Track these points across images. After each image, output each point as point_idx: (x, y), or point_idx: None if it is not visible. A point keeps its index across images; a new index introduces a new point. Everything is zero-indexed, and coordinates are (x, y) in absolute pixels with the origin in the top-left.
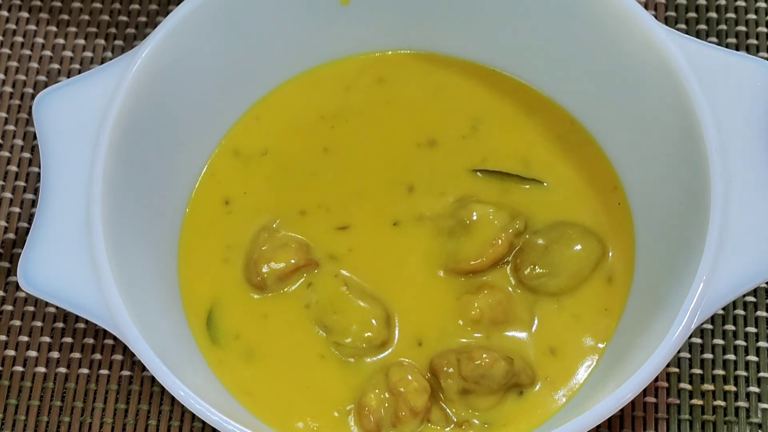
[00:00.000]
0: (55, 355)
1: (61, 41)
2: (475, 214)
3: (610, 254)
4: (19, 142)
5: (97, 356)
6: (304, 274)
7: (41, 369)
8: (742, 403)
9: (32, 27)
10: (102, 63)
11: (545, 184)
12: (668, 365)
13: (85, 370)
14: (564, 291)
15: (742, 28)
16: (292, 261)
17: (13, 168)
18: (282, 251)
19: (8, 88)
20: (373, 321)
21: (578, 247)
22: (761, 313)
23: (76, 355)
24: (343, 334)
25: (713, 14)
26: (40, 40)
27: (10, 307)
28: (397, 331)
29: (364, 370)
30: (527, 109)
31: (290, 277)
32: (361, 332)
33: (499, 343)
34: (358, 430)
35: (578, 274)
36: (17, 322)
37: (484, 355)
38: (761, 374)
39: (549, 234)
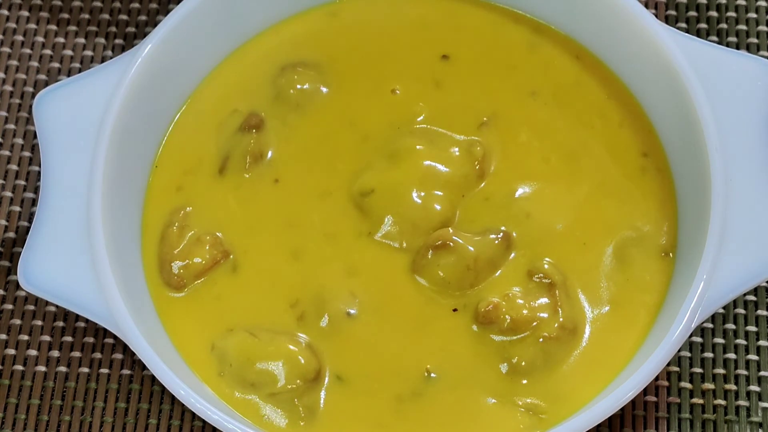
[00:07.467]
0: (55, 354)
1: (62, 40)
2: None
3: None
4: (19, 140)
5: (98, 355)
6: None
7: (41, 368)
8: (742, 402)
9: (32, 26)
10: (102, 62)
11: None
12: (669, 364)
13: (85, 369)
14: None
15: (742, 27)
16: (208, 257)
17: (14, 167)
18: (196, 248)
19: (8, 87)
20: (300, 358)
21: None
22: (761, 312)
23: (77, 354)
24: (273, 382)
25: (714, 13)
26: (40, 38)
27: (10, 306)
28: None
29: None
30: None
31: (207, 272)
32: (291, 370)
33: None
34: None
35: None
36: (17, 321)
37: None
38: (762, 373)
39: None
